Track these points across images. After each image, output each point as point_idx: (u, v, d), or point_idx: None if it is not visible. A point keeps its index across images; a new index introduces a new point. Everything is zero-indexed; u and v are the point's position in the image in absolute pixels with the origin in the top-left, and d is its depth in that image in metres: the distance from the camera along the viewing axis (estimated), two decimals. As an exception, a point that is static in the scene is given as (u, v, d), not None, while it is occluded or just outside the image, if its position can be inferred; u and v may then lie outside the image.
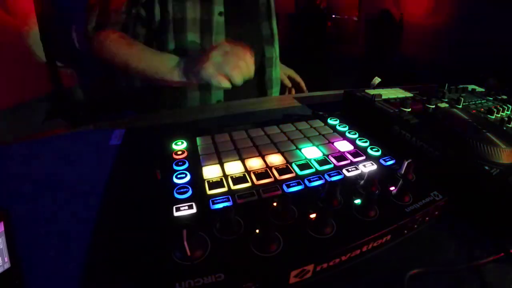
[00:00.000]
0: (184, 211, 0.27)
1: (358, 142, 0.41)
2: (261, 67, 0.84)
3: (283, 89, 0.96)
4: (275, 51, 0.86)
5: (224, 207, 0.25)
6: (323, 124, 0.47)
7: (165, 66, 0.63)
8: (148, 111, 0.78)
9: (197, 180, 0.32)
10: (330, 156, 0.37)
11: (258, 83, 0.85)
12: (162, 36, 0.68)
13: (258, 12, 0.81)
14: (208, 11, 0.68)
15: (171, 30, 0.67)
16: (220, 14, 0.69)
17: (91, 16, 0.66)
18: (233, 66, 0.57)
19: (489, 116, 0.49)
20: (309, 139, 0.42)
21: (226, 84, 0.59)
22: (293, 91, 0.96)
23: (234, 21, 0.73)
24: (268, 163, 0.35)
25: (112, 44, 0.65)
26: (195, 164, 0.35)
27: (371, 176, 0.31)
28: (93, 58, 0.70)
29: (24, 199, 0.34)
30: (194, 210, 0.27)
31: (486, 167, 0.33)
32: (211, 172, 0.33)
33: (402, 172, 0.33)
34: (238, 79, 0.58)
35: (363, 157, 0.37)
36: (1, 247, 0.23)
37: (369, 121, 0.49)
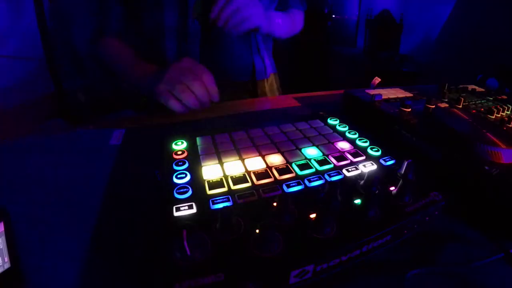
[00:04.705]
0: (184, 211, 0.27)
1: (358, 142, 0.41)
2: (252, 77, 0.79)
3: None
4: (262, 59, 0.81)
5: (224, 207, 0.25)
6: (323, 124, 0.47)
7: (135, 75, 0.60)
8: (148, 111, 0.78)
9: (197, 180, 0.32)
10: (330, 156, 0.37)
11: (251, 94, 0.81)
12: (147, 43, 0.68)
13: None
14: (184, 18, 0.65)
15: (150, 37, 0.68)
16: (194, 21, 0.66)
17: (93, 25, 0.68)
18: (183, 88, 0.50)
19: (489, 116, 0.49)
20: (309, 139, 0.42)
21: (176, 108, 0.51)
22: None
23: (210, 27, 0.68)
24: (268, 163, 0.35)
25: (108, 50, 0.67)
26: (195, 164, 0.35)
27: (371, 176, 0.31)
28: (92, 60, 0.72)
29: (24, 199, 0.34)
30: (194, 210, 0.27)
31: (486, 167, 0.33)
32: (211, 172, 0.33)
33: (402, 172, 0.33)
34: (190, 103, 0.51)
35: (363, 157, 0.37)
36: (1, 247, 0.23)
37: (369, 121, 0.49)
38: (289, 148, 0.39)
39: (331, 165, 0.36)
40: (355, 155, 0.38)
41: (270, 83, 0.83)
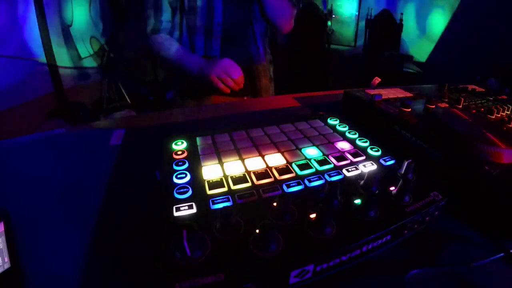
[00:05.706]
0: (184, 211, 0.27)
1: (358, 142, 0.41)
2: (252, 74, 1.00)
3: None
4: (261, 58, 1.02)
5: (224, 207, 0.25)
6: (323, 124, 0.47)
7: (190, 64, 0.88)
8: (148, 111, 0.81)
9: (197, 180, 0.32)
10: (330, 156, 0.37)
11: (251, 90, 1.02)
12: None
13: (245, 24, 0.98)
14: (210, 21, 0.92)
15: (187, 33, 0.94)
16: (218, 23, 0.92)
17: (148, 23, 0.91)
18: (228, 80, 0.83)
19: (489, 116, 0.49)
20: (309, 139, 0.42)
21: (222, 88, 0.84)
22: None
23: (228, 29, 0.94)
24: (268, 163, 0.35)
25: (160, 43, 0.91)
26: (195, 164, 0.35)
27: (371, 176, 0.31)
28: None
29: (24, 199, 0.34)
30: (194, 210, 0.27)
31: (486, 167, 0.33)
32: (211, 172, 0.33)
33: (402, 172, 0.33)
34: (230, 84, 0.84)
35: (363, 157, 0.37)
36: (1, 247, 0.23)
37: (369, 121, 0.49)
38: (289, 148, 0.39)
39: (331, 165, 0.36)
40: (355, 155, 0.38)
41: (266, 68, 1.06)
